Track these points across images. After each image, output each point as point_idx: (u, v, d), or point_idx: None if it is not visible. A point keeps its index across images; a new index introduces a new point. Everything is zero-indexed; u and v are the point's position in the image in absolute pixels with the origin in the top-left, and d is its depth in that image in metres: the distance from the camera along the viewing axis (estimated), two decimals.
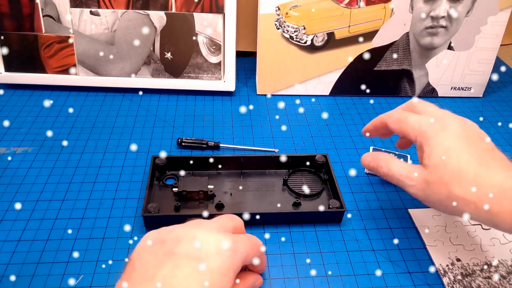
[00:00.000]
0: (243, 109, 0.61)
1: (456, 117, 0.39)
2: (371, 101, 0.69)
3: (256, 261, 0.36)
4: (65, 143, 0.53)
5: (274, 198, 0.50)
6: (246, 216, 0.38)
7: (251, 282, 0.38)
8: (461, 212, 0.36)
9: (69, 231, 0.44)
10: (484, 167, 0.35)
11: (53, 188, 0.50)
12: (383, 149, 0.55)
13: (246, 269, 0.39)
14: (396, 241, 0.46)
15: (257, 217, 0.46)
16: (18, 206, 0.45)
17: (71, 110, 0.60)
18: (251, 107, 0.64)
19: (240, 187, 0.50)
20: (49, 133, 0.56)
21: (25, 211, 0.47)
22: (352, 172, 0.50)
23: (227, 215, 0.37)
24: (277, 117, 0.64)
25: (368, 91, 0.70)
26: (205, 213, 0.36)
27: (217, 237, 0.32)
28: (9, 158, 0.52)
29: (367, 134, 0.45)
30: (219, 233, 0.33)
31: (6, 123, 0.57)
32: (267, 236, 0.46)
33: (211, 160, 0.51)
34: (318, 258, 0.44)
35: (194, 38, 0.65)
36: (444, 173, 0.36)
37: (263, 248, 0.37)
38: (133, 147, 0.53)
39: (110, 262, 0.42)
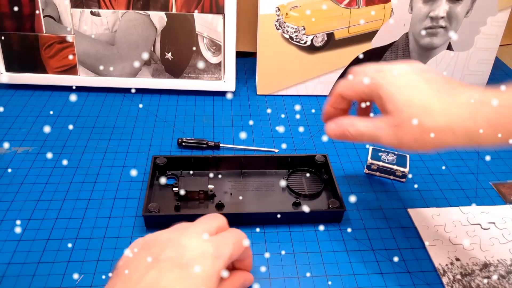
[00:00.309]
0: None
1: (399, 61, 0.39)
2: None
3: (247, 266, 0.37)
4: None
5: (274, 198, 0.50)
6: (246, 242, 0.37)
7: (241, 282, 0.38)
8: (440, 143, 0.35)
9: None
10: (446, 92, 0.35)
11: (54, 188, 0.51)
12: (382, 149, 0.55)
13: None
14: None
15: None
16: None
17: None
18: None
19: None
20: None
21: (26, 210, 0.47)
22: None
23: (210, 215, 0.37)
24: (282, 117, 0.65)
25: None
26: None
27: (201, 242, 0.33)
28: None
29: (328, 119, 0.43)
30: (203, 237, 0.33)
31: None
32: (267, 236, 0.46)
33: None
34: (317, 258, 0.44)
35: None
36: (410, 110, 0.35)
37: (246, 242, 0.36)
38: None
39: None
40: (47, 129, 0.59)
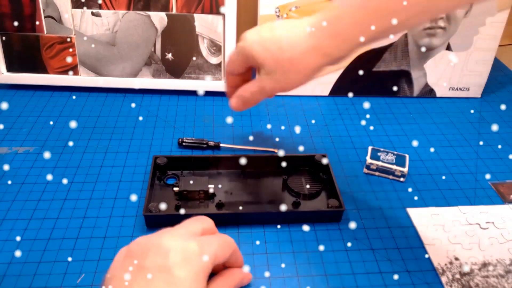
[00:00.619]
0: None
1: None
2: (367, 105, 0.70)
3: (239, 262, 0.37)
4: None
5: (274, 198, 0.50)
6: (243, 160, 0.42)
7: (238, 281, 0.38)
8: (315, 64, 0.39)
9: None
10: (289, 24, 0.40)
11: (55, 187, 0.51)
12: (381, 149, 0.55)
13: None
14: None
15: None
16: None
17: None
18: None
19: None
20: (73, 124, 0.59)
21: (26, 210, 0.48)
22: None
23: (195, 217, 0.37)
24: (281, 117, 0.65)
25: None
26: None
27: (183, 244, 0.33)
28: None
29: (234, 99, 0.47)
30: (185, 239, 0.33)
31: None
32: (267, 235, 0.46)
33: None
34: (317, 257, 0.44)
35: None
36: (269, 50, 0.40)
37: (233, 244, 0.37)
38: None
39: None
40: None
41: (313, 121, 0.64)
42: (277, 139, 0.60)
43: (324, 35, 0.37)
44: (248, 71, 0.46)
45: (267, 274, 0.42)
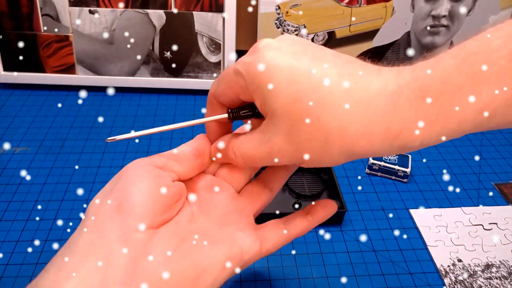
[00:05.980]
0: None
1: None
2: None
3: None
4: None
5: (274, 198, 0.49)
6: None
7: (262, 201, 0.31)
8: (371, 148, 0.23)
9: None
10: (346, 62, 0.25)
11: (52, 188, 0.50)
12: None
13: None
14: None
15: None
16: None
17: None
18: None
19: None
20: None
21: (23, 211, 0.47)
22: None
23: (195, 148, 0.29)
24: None
25: None
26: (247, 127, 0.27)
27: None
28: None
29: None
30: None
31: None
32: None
33: None
34: (318, 259, 0.43)
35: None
36: (299, 94, 0.23)
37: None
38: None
39: None
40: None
41: None
42: None
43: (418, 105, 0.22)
44: (235, 104, 0.28)
45: (267, 276, 0.42)
